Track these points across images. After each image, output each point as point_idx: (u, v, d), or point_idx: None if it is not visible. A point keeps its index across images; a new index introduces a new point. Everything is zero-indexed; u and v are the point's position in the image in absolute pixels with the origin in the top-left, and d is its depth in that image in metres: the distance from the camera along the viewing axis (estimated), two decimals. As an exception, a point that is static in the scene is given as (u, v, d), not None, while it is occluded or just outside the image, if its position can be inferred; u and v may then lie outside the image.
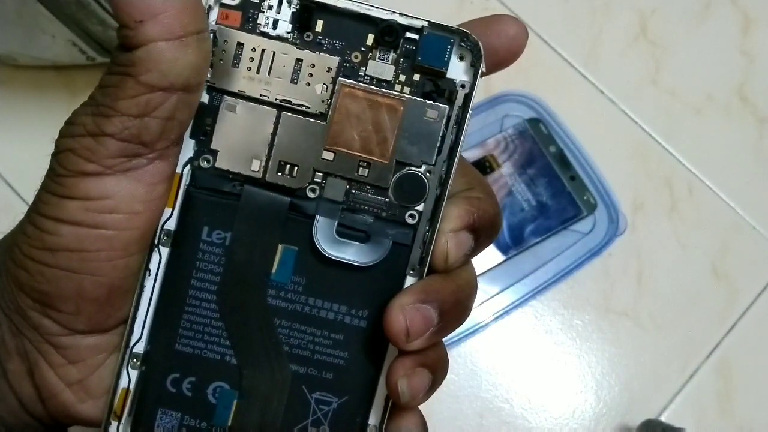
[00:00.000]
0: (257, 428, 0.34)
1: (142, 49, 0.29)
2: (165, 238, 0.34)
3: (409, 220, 0.34)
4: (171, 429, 0.34)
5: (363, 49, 0.33)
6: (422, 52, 0.33)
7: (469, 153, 0.76)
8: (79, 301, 0.32)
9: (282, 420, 0.34)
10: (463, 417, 0.72)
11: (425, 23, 0.33)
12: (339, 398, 0.35)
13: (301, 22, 0.33)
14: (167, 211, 0.33)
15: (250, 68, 0.33)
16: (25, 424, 0.35)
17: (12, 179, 0.73)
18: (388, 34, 0.33)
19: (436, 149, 0.33)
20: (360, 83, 0.33)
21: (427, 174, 0.34)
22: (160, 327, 0.34)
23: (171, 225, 0.34)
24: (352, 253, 0.34)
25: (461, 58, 0.33)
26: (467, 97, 0.33)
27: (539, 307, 0.75)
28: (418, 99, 0.33)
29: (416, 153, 0.33)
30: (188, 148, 0.33)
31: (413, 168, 0.34)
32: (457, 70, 0.33)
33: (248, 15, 0.33)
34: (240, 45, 0.33)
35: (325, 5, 0.33)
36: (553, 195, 0.76)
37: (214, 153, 0.34)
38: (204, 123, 0.33)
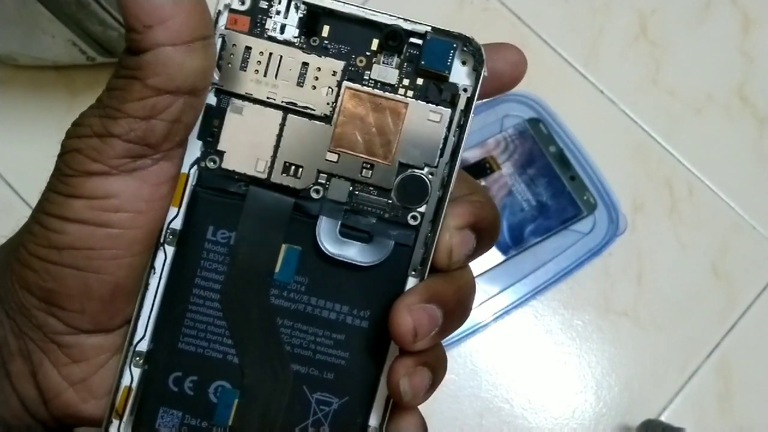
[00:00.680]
0: (258, 428, 0.35)
1: (150, 53, 0.29)
2: (170, 237, 0.34)
3: (412, 222, 0.34)
4: (172, 428, 0.35)
5: (368, 53, 0.34)
6: (425, 57, 0.33)
7: (469, 153, 0.76)
8: (84, 300, 0.32)
9: (283, 420, 0.35)
10: (463, 417, 0.73)
11: (429, 28, 0.33)
12: (340, 399, 0.35)
13: (308, 27, 0.34)
14: (173, 210, 0.34)
15: (257, 71, 0.34)
16: (28, 426, 0.35)
17: (12, 179, 0.74)
18: (393, 39, 0.33)
19: (439, 151, 0.34)
20: (365, 87, 0.34)
21: (430, 176, 0.34)
22: (163, 325, 0.34)
23: (177, 224, 0.34)
24: (354, 254, 0.34)
25: (464, 63, 0.34)
26: (469, 101, 0.34)
27: (539, 307, 0.75)
28: (422, 102, 0.34)
29: (419, 155, 0.34)
30: (195, 148, 0.34)
31: (416, 170, 0.34)
32: (459, 74, 0.34)
33: (256, 20, 0.34)
34: (248, 49, 0.33)
35: (332, 11, 0.33)
36: (553, 195, 0.76)
37: (221, 154, 0.34)
38: (211, 124, 0.34)
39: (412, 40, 0.34)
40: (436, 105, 0.34)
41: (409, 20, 0.33)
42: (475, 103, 0.34)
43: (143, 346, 0.34)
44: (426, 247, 0.34)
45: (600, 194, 0.76)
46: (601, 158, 0.77)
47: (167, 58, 0.29)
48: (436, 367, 0.34)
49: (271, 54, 0.34)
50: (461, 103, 0.34)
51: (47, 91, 0.75)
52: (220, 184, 0.34)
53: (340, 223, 0.34)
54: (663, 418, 0.73)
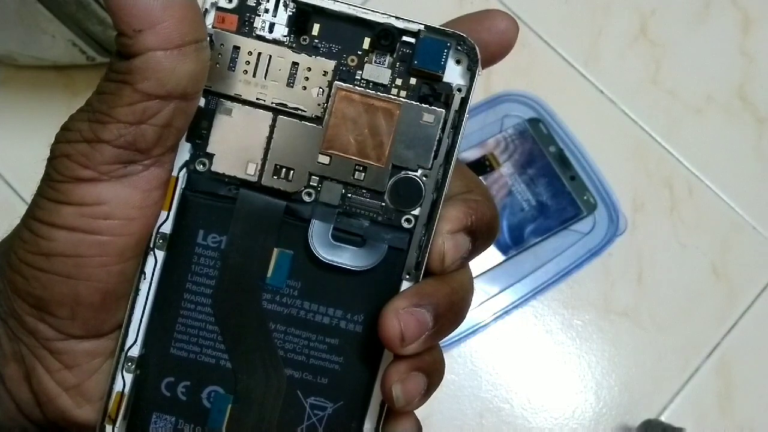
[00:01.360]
0: None
1: (140, 58, 0.29)
2: (160, 241, 0.33)
3: (405, 225, 0.34)
4: None
5: (359, 52, 0.33)
6: (418, 56, 0.33)
7: (469, 153, 0.76)
8: (75, 307, 0.32)
9: (277, 425, 0.34)
10: (463, 417, 0.72)
11: (422, 27, 0.33)
12: (334, 403, 0.35)
13: (298, 25, 0.33)
14: (163, 214, 0.33)
15: (246, 72, 0.33)
16: (23, 428, 0.35)
17: (12, 179, 0.74)
18: (385, 37, 0.33)
19: (433, 153, 0.33)
20: (356, 87, 0.33)
21: (424, 178, 0.33)
22: (155, 331, 0.34)
23: (166, 228, 0.33)
24: (347, 258, 0.34)
25: (458, 62, 0.33)
26: (464, 101, 0.33)
27: (539, 307, 0.75)
28: (415, 103, 0.33)
29: (412, 157, 0.33)
30: (184, 151, 0.33)
31: (409, 172, 0.34)
32: (453, 73, 0.33)
33: (245, 18, 0.33)
34: (236, 48, 0.33)
35: (322, 9, 0.33)
36: (553, 195, 0.76)
37: (210, 156, 0.33)
38: (200, 126, 0.33)
39: (405, 38, 0.33)
40: (430, 105, 0.33)
41: (401, 18, 0.33)
42: (470, 103, 0.33)
43: (135, 352, 0.34)
44: (420, 250, 0.34)
45: (600, 194, 0.76)
46: (601, 158, 0.77)
47: (158, 63, 0.29)
48: (431, 371, 0.34)
49: (260, 54, 0.33)
50: (455, 104, 0.33)
51: (47, 91, 0.75)
52: (210, 188, 0.34)
53: (332, 226, 0.34)
54: (663, 418, 0.73)
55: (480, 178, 0.74)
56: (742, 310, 0.76)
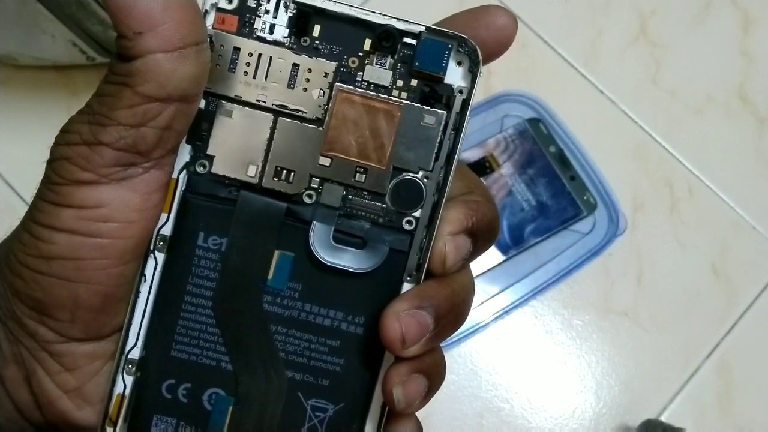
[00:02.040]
0: None
1: (140, 60, 0.29)
2: (161, 243, 0.33)
3: (407, 227, 0.34)
4: None
5: (360, 54, 0.33)
6: (420, 58, 0.33)
7: (469, 153, 0.76)
8: (74, 310, 0.32)
9: (278, 427, 0.34)
10: (463, 417, 0.72)
11: (423, 29, 0.33)
12: (335, 405, 0.35)
13: (298, 26, 0.33)
14: (163, 216, 0.33)
15: (246, 73, 0.33)
16: (22, 429, 0.35)
17: (12, 179, 0.74)
18: (386, 39, 0.33)
19: (434, 155, 0.33)
20: (357, 88, 0.33)
21: (425, 180, 0.33)
22: (155, 333, 0.34)
23: (167, 230, 0.33)
24: (348, 260, 0.33)
25: (459, 63, 0.33)
26: (465, 103, 0.33)
27: (539, 307, 0.75)
28: (416, 104, 0.33)
29: (413, 159, 0.33)
30: (184, 153, 0.33)
31: (410, 174, 0.33)
32: (454, 75, 0.33)
33: (245, 19, 0.33)
34: (236, 50, 0.33)
35: (323, 10, 0.33)
36: (553, 195, 0.76)
37: (211, 158, 0.33)
38: (200, 128, 0.33)
39: (406, 40, 0.33)
40: (431, 107, 0.33)
41: (402, 20, 0.33)
42: (471, 105, 0.33)
43: (135, 354, 0.34)
44: (421, 252, 0.34)
45: (600, 194, 0.76)
46: (601, 158, 0.77)
47: (158, 66, 0.29)
48: (432, 373, 0.34)
49: (260, 55, 0.33)
50: (457, 105, 0.33)
51: (47, 91, 0.75)
52: (211, 190, 0.34)
53: (333, 228, 0.33)
54: (663, 418, 0.73)
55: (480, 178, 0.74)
56: (742, 310, 0.76)
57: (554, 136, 0.77)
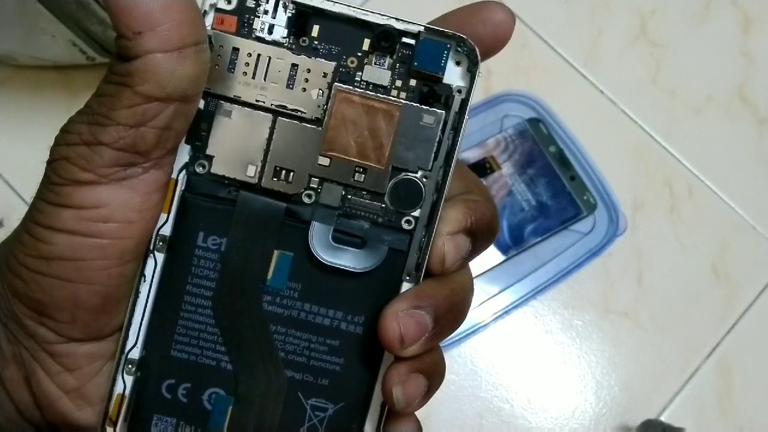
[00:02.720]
0: None
1: (140, 60, 0.29)
2: (160, 243, 0.33)
3: (406, 226, 0.34)
4: None
5: (359, 54, 0.33)
6: (418, 58, 0.33)
7: (469, 153, 0.76)
8: (74, 310, 0.32)
9: (278, 426, 0.34)
10: (463, 417, 0.72)
11: (421, 28, 0.33)
12: (335, 404, 0.35)
13: (297, 27, 0.33)
14: (163, 216, 0.33)
15: (245, 73, 0.33)
16: (23, 430, 0.35)
17: (12, 179, 0.74)
18: (385, 39, 0.33)
19: (433, 154, 0.33)
20: (356, 88, 0.33)
21: (424, 179, 0.33)
22: (155, 333, 0.34)
23: (166, 230, 0.33)
24: (348, 259, 0.34)
25: (458, 63, 0.33)
26: (464, 102, 0.33)
27: (539, 307, 0.75)
28: (415, 104, 0.33)
29: (413, 158, 0.33)
30: (184, 153, 0.33)
31: (410, 173, 0.33)
32: (453, 75, 0.33)
33: (244, 20, 0.33)
34: (235, 50, 0.33)
35: (321, 10, 0.33)
36: (553, 195, 0.76)
37: (210, 158, 0.33)
38: (199, 128, 0.33)
39: (405, 40, 0.33)
40: (430, 107, 0.33)
41: (401, 20, 0.33)
42: (470, 105, 0.33)
43: (135, 354, 0.34)
44: (420, 251, 0.34)
45: (600, 194, 0.76)
46: (601, 158, 0.77)
47: (157, 66, 0.29)
48: (432, 373, 0.34)
49: (259, 55, 0.33)
50: (455, 105, 0.33)
51: (47, 91, 0.75)
52: (210, 190, 0.34)
53: (332, 228, 0.34)
54: (663, 418, 0.73)
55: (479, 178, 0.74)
56: (742, 310, 0.76)
57: (554, 136, 0.77)
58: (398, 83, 0.33)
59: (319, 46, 0.33)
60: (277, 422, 0.34)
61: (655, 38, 0.82)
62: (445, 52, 0.33)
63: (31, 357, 0.33)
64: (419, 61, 0.33)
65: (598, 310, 0.75)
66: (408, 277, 0.34)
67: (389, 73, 0.33)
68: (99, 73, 0.30)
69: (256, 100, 0.33)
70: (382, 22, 0.33)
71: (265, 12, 0.33)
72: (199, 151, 0.33)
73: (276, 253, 0.34)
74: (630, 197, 0.78)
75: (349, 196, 0.34)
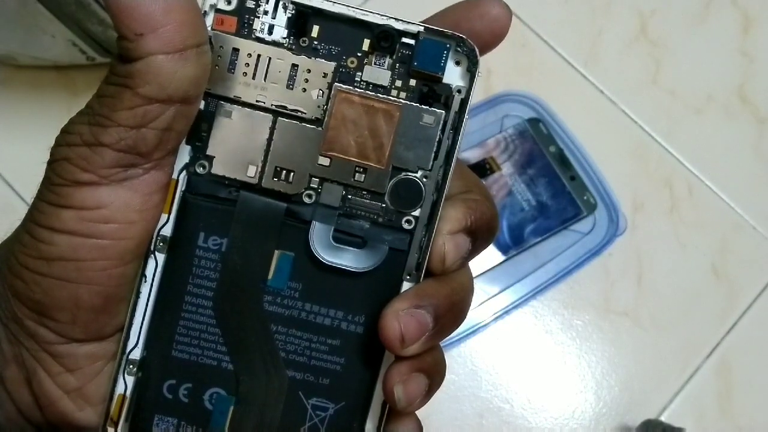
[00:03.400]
0: None
1: (141, 62, 0.29)
2: (161, 244, 0.33)
3: (406, 226, 0.34)
4: None
5: (359, 54, 0.33)
6: (418, 58, 0.33)
7: (469, 153, 0.76)
8: (75, 311, 0.32)
9: (279, 426, 0.34)
10: (463, 417, 0.72)
11: (421, 29, 0.33)
12: (336, 404, 0.35)
13: (297, 27, 0.33)
14: (163, 217, 0.33)
15: (245, 74, 0.33)
16: (23, 430, 0.35)
17: (12, 179, 0.74)
18: (384, 39, 0.33)
19: (433, 154, 0.33)
20: (356, 88, 0.33)
21: (424, 179, 0.33)
22: (156, 333, 0.34)
23: (167, 231, 0.33)
24: (348, 259, 0.34)
25: (457, 63, 0.33)
26: (463, 102, 0.33)
27: (539, 307, 0.75)
28: (415, 104, 0.33)
29: (413, 158, 0.33)
30: (184, 153, 0.33)
31: (410, 173, 0.33)
32: (453, 75, 0.33)
33: (244, 20, 0.33)
34: (236, 50, 0.33)
35: (321, 11, 0.33)
36: (553, 195, 0.76)
37: (210, 159, 0.33)
38: (200, 129, 0.33)
39: (405, 40, 0.33)
40: (430, 107, 0.33)
41: (401, 20, 0.33)
42: (469, 104, 0.33)
43: (136, 354, 0.34)
44: (421, 251, 0.34)
45: (600, 194, 0.76)
46: (601, 158, 0.77)
47: (159, 67, 0.29)
48: (432, 372, 0.34)
49: (259, 56, 0.33)
50: (455, 105, 0.33)
51: (47, 91, 0.75)
52: (210, 190, 0.34)
53: (333, 228, 0.34)
54: (663, 418, 0.73)
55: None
56: (742, 310, 0.76)
57: (554, 136, 0.77)
58: (398, 83, 0.33)
59: (319, 47, 0.33)
60: (278, 422, 0.34)
61: (655, 38, 0.82)
62: (445, 52, 0.33)
63: (32, 357, 0.33)
64: (419, 61, 0.33)
65: (598, 310, 0.75)
66: (408, 277, 0.34)
67: (389, 73, 0.33)
68: (99, 73, 0.30)
69: (257, 101, 0.33)
70: (381, 23, 0.33)
71: (265, 12, 0.33)
72: (200, 152, 0.33)
73: (277, 253, 0.34)
74: (630, 197, 0.78)
75: (350, 196, 0.34)
